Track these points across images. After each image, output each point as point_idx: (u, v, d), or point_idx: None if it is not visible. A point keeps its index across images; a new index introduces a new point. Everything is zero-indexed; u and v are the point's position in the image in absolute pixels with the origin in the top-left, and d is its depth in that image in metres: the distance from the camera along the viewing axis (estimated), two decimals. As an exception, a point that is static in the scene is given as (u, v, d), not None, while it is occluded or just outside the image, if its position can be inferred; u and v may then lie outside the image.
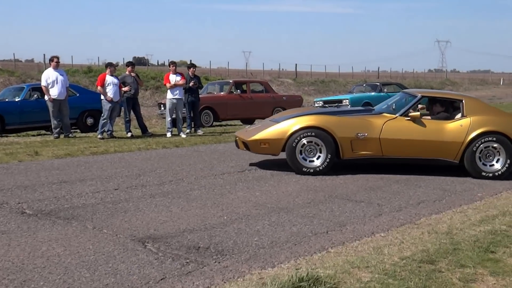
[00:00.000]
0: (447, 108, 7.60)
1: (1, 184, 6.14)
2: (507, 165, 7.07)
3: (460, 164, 7.22)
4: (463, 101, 7.36)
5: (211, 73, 39.11)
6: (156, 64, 64.75)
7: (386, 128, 7.13)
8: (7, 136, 12.52)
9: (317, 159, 7.10)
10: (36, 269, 3.42)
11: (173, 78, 12.24)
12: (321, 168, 7.07)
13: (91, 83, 23.71)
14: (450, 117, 7.39)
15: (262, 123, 8.11)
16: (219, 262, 3.64)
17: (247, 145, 7.39)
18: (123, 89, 11.78)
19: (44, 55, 29.38)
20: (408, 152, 7.18)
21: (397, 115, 7.28)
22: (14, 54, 35.17)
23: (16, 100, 13.30)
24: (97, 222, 4.62)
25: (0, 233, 4.20)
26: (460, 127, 7.13)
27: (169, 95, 12.18)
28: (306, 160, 7.10)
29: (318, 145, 7.08)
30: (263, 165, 7.78)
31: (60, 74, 11.46)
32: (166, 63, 25.96)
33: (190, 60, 36.08)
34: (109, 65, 12.05)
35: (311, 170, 7.06)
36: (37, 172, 7.01)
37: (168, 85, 12.25)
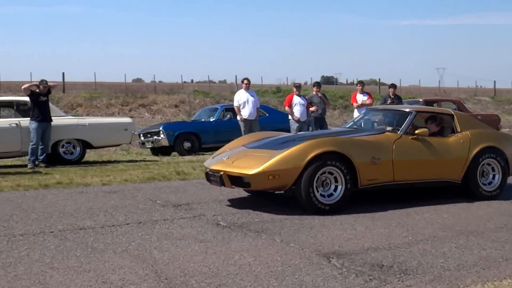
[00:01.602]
0: (439, 123, 7.19)
1: (199, 198, 6.86)
2: (500, 182, 6.87)
3: (461, 184, 6.78)
4: (454, 116, 7.08)
5: (402, 91, 38.54)
6: (345, 83, 65.41)
7: (396, 149, 6.35)
8: (203, 154, 13.84)
9: (335, 191, 5.97)
10: (229, 276, 3.82)
11: (360, 98, 12.42)
12: (340, 202, 5.95)
13: (280, 103, 24.88)
14: (442, 133, 7.07)
15: (247, 151, 6.55)
16: (402, 281, 3.71)
17: (242, 181, 5.96)
18: (310, 109, 12.12)
19: (236, 76, 31.81)
20: (416, 175, 6.52)
21: (400, 133, 6.58)
22: (208, 76, 38.61)
23: (211, 120, 14.72)
24: (284, 236, 4.97)
25: (198, 241, 4.75)
26: (461, 143, 6.74)
27: (355, 114, 12.35)
28: (324, 195, 5.93)
29: (332, 174, 5.95)
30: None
31: (251, 95, 12.13)
32: (355, 82, 26.17)
33: (379, 79, 35.63)
34: (296, 85, 12.68)
35: (327, 207, 5.88)
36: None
37: (355, 104, 12.48)
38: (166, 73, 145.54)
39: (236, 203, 6.55)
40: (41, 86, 10.38)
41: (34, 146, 10.13)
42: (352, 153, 5.96)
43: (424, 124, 7.03)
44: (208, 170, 6.44)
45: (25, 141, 10.27)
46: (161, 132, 14.15)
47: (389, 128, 6.83)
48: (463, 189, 6.81)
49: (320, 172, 5.84)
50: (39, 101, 10.25)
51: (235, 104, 12.14)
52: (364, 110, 8.40)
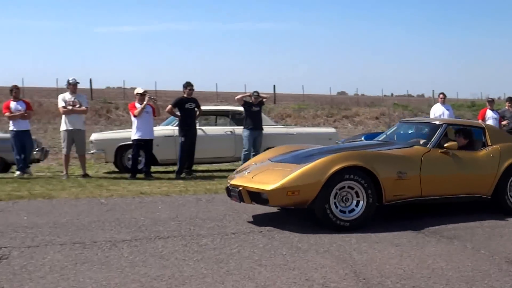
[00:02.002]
0: (469, 137, 6.97)
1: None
2: None
3: (491, 199, 6.59)
4: (485, 129, 7.00)
5: None
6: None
7: (425, 163, 6.17)
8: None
9: (356, 206, 5.73)
10: (423, 278, 4.07)
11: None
12: (361, 218, 5.71)
13: (474, 117, 23.86)
14: (473, 147, 6.84)
15: (269, 165, 6.40)
16: None
17: (260, 196, 5.78)
18: (502, 122, 11.90)
19: (433, 91, 32.50)
20: (445, 190, 6.35)
21: (429, 146, 6.41)
22: (407, 90, 39.25)
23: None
24: (475, 243, 5.16)
25: (394, 245, 5.05)
26: (491, 157, 6.59)
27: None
28: (344, 211, 5.70)
29: (352, 188, 5.72)
30: None
31: (446, 109, 12.30)
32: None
33: None
34: (489, 100, 12.70)
35: (347, 224, 5.66)
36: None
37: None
38: (368, 87, 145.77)
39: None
40: (252, 97, 11.37)
41: (246, 152, 10.88)
42: (376, 167, 5.80)
43: (454, 137, 6.89)
44: (228, 185, 6.29)
45: (238, 148, 11.29)
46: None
47: (420, 141, 6.68)
48: (493, 204, 6.64)
49: (337, 187, 5.65)
50: (251, 111, 11.13)
51: (431, 116, 12.38)
52: (398, 123, 8.17)
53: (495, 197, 6.54)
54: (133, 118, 9.99)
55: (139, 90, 10.20)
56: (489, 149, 6.68)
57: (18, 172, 10.07)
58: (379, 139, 7.56)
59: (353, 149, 6.71)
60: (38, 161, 11.40)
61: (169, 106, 10.54)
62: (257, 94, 11.28)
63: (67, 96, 9.90)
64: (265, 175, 6.02)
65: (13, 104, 10.00)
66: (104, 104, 27.77)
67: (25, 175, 9.88)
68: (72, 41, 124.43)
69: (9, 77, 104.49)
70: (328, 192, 5.60)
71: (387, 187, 5.84)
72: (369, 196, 5.72)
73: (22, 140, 10.01)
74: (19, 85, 10.89)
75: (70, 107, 9.78)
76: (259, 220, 6.16)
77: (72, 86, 9.95)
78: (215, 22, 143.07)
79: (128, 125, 14.94)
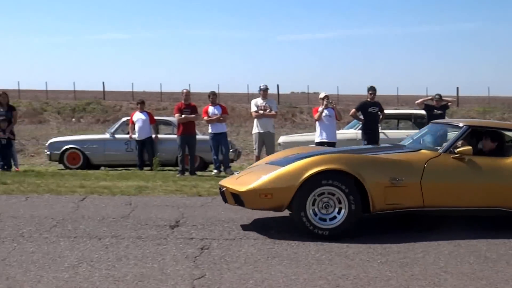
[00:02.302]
0: (499, 141, 6.12)
1: None
2: None
3: None
4: None
5: None
6: None
7: (429, 170, 5.52)
8: None
9: (338, 213, 5.35)
10: None
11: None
12: (343, 227, 5.32)
13: None
14: (502, 153, 5.92)
15: (258, 167, 6.19)
16: None
17: (238, 198, 5.53)
18: None
19: None
20: (456, 201, 5.60)
21: (440, 151, 5.73)
22: None
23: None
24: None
25: None
26: None
27: None
28: (323, 219, 5.35)
29: (333, 194, 5.31)
30: None
31: None
32: None
33: None
34: None
35: (326, 232, 5.28)
36: None
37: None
38: None
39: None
40: (434, 101, 11.08)
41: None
42: (362, 172, 5.31)
43: (487, 142, 6.11)
44: (219, 185, 6.16)
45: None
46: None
47: (432, 145, 6.11)
48: None
49: (315, 192, 5.31)
50: (433, 114, 10.89)
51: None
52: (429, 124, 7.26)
53: None
54: (316, 122, 10.34)
55: (322, 94, 10.52)
56: None
57: (215, 171, 11.05)
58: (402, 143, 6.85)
59: (341, 153, 6.16)
60: (231, 161, 12.34)
61: (353, 109, 10.74)
62: (439, 97, 10.97)
63: (259, 101, 10.59)
64: (248, 176, 5.84)
65: (210, 109, 10.97)
66: (290, 109, 28.86)
67: (221, 174, 10.78)
68: (258, 50, 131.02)
69: (207, 83, 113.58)
70: (303, 197, 5.32)
71: (376, 194, 5.37)
72: (351, 203, 5.31)
73: (219, 141, 10.94)
74: (216, 91, 11.85)
75: (261, 112, 10.45)
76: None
77: (263, 92, 10.61)
78: (390, 26, 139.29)
79: (312, 128, 15.40)
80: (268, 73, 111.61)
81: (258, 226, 5.93)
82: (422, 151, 5.89)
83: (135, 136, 11.81)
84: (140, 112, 11.86)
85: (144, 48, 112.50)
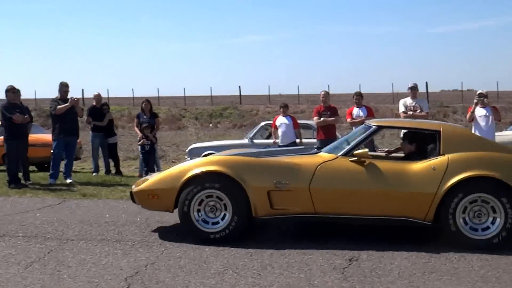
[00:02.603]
0: (421, 143, 5.77)
1: None
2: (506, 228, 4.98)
3: (434, 225, 5.17)
4: (440, 132, 5.37)
5: None
6: None
7: (320, 174, 5.28)
8: None
9: (222, 219, 5.39)
10: None
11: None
12: (226, 232, 5.36)
13: None
14: (425, 156, 5.46)
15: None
16: None
17: (133, 198, 5.87)
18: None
19: None
20: (353, 209, 5.28)
21: (338, 154, 5.44)
22: None
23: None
24: None
25: None
26: (432, 171, 5.14)
27: None
28: (208, 222, 5.45)
29: (221, 199, 5.36)
30: None
31: None
32: None
33: None
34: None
35: (217, 236, 5.36)
36: None
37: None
38: None
39: None
40: None
41: None
42: (243, 175, 5.30)
43: (405, 144, 5.99)
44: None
45: None
46: None
47: (334, 148, 5.94)
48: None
49: (199, 195, 5.39)
50: None
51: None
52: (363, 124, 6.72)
53: (438, 223, 5.23)
54: (471, 123, 9.76)
55: (481, 91, 9.91)
56: (435, 160, 5.33)
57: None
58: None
59: (228, 154, 6.03)
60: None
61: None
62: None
63: (408, 101, 10.21)
64: (151, 177, 6.03)
65: (355, 111, 10.79)
66: (441, 108, 27.67)
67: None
68: (405, 45, 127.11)
69: (347, 84, 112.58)
70: (186, 199, 5.40)
71: (258, 199, 5.32)
72: (236, 207, 5.32)
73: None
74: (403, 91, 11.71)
75: (410, 112, 10.08)
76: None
77: (412, 91, 10.23)
78: None
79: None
80: (414, 70, 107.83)
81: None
82: (320, 154, 5.76)
83: (278, 141, 11.99)
84: (283, 116, 11.98)
85: (281, 50, 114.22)
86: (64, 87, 10.14)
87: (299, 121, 12.68)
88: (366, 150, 5.53)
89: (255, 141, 12.91)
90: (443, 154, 5.33)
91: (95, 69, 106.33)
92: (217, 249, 5.26)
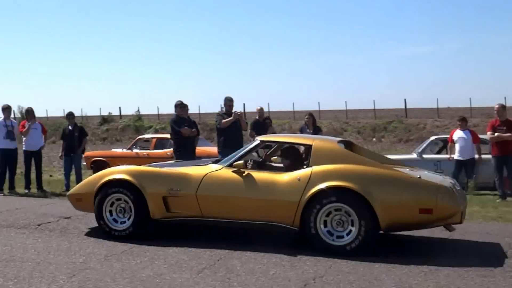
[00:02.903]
0: (293, 156, 6.73)
1: None
2: (360, 237, 5.61)
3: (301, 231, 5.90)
4: (311, 146, 6.23)
5: None
6: None
7: (206, 182, 6.31)
8: None
9: (128, 219, 6.56)
10: None
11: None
12: (129, 230, 6.51)
13: None
14: (298, 168, 6.23)
15: None
16: None
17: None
18: None
19: None
20: (232, 213, 6.20)
21: (223, 165, 6.42)
22: None
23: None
24: None
25: None
26: (297, 181, 5.93)
27: None
28: (116, 221, 6.61)
29: (127, 202, 6.53)
30: None
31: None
32: None
33: None
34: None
35: (123, 233, 6.51)
36: None
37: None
38: None
39: None
40: None
41: None
42: (144, 182, 6.44)
43: (283, 157, 6.89)
44: None
45: None
46: None
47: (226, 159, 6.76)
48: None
49: (110, 198, 6.56)
50: None
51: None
52: None
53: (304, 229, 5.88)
54: None
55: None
56: (301, 171, 6.07)
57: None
58: None
59: (135, 166, 7.00)
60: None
61: None
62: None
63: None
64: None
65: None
66: None
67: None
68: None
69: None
70: (100, 202, 6.57)
71: (154, 203, 6.38)
72: (137, 209, 6.42)
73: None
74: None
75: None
76: None
77: None
78: None
79: None
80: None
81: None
82: (209, 165, 6.63)
83: (455, 156, 11.60)
84: (461, 130, 11.61)
85: (447, 60, 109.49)
86: (228, 102, 10.67)
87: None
88: (241, 162, 6.32)
89: (425, 156, 12.59)
90: (310, 166, 6.04)
91: (256, 84, 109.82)
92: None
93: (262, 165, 6.84)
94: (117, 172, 6.64)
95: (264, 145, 7.06)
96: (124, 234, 6.43)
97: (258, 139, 6.81)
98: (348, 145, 7.04)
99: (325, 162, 6.01)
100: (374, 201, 5.58)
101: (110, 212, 6.54)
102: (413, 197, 5.63)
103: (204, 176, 6.33)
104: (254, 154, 11.82)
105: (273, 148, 7.45)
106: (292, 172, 6.07)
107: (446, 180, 6.07)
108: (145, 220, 6.43)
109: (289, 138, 7.38)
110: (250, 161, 6.73)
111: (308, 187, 5.81)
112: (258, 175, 6.20)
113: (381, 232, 5.80)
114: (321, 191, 5.73)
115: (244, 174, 6.17)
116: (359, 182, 5.67)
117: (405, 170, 6.24)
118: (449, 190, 5.72)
